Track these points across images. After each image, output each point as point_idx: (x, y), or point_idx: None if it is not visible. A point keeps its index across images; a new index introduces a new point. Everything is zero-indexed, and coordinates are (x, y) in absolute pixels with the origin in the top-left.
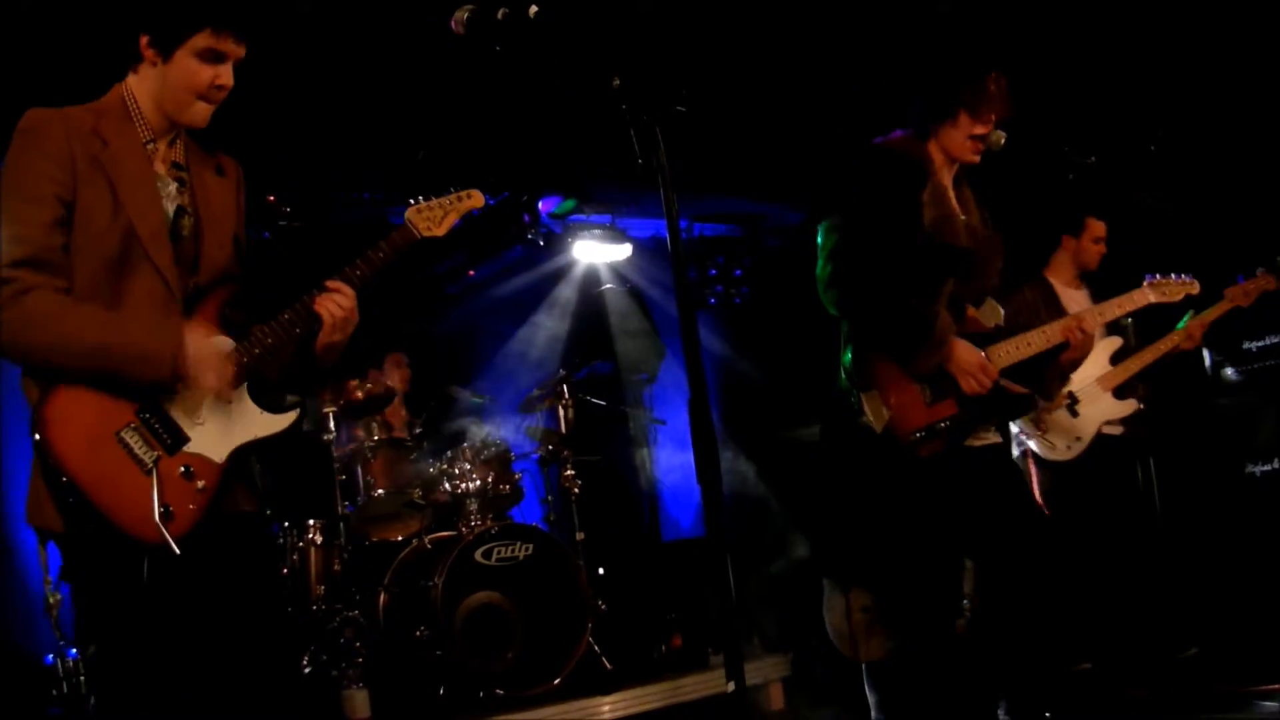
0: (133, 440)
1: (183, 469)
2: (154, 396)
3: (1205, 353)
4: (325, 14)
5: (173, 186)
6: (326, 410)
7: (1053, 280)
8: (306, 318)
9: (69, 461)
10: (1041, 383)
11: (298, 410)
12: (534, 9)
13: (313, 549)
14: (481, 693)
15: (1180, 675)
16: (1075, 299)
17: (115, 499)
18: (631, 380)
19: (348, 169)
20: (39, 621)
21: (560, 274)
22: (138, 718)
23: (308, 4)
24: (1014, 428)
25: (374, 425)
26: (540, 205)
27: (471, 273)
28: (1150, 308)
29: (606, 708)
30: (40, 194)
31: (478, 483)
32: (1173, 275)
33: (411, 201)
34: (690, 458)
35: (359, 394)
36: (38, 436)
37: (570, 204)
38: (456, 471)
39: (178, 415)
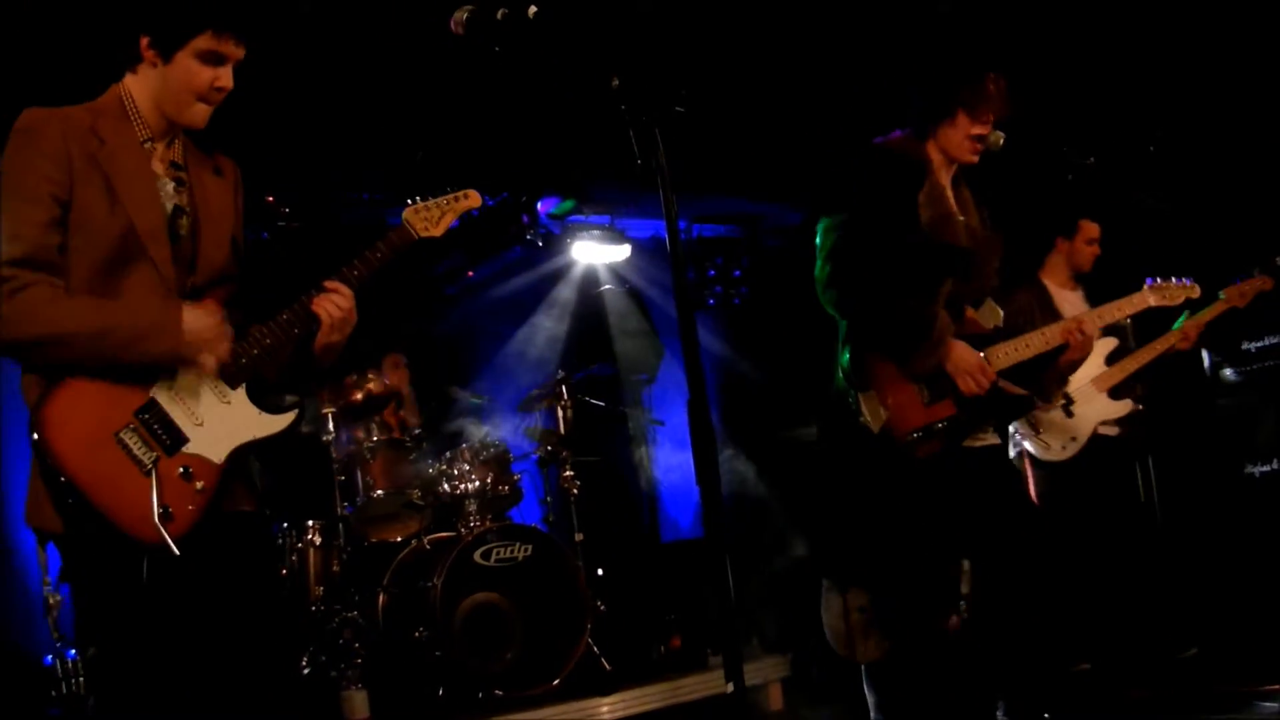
0: (132, 441)
1: (182, 469)
2: (153, 397)
3: (1205, 353)
4: (325, 15)
5: (170, 186)
6: (325, 411)
7: (1047, 282)
8: (305, 318)
9: (68, 462)
10: (1040, 384)
11: (296, 411)
12: (533, 9)
13: (312, 550)
14: (481, 693)
15: (1180, 675)
16: (1070, 300)
17: (114, 499)
18: (631, 381)
19: (346, 169)
20: (39, 622)
21: (559, 275)
22: (137, 718)
23: (308, 4)
24: (1009, 427)
25: (373, 426)
26: (539, 206)
27: (470, 273)
28: (1149, 310)
29: (605, 708)
30: (37, 193)
31: (477, 483)
32: (1173, 279)
33: (409, 202)
34: (689, 458)
35: (358, 395)
36: (36, 437)
37: (569, 204)
38: (455, 472)
39: (177, 416)
